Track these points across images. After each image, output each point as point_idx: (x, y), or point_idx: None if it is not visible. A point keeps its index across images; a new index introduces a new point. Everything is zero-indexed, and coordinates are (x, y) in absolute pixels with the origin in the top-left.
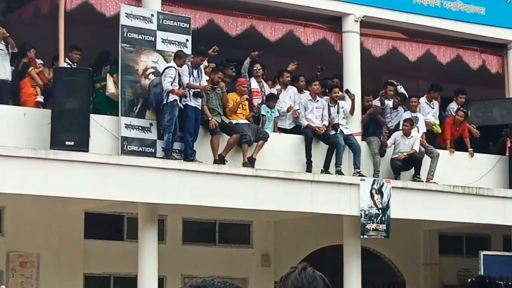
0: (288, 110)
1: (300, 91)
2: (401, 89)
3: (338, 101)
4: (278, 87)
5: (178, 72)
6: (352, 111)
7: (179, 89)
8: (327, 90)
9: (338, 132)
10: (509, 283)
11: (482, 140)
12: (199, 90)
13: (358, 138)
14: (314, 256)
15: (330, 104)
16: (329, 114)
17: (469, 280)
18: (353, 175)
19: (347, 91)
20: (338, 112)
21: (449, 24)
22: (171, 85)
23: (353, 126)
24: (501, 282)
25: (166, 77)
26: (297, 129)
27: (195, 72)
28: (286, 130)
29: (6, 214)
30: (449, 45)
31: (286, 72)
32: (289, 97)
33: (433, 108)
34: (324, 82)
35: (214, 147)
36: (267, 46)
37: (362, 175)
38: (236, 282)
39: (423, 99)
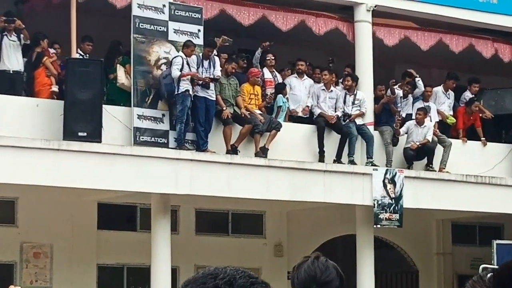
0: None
1: (315, 82)
2: (419, 81)
3: (357, 91)
4: (294, 75)
5: (187, 62)
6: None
7: (189, 78)
8: (340, 80)
9: (347, 121)
10: None
11: (495, 129)
12: (209, 81)
13: (371, 128)
14: (327, 246)
15: (346, 93)
16: (345, 103)
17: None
18: (366, 165)
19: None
20: (353, 103)
21: (461, 13)
22: (180, 71)
23: (365, 116)
24: None
25: (173, 66)
26: (311, 118)
27: (205, 62)
28: (302, 119)
29: (19, 205)
30: (462, 34)
31: (300, 61)
32: (304, 87)
33: (449, 98)
34: (336, 72)
35: (226, 137)
36: (279, 36)
37: (375, 165)
38: (250, 271)
39: (439, 88)
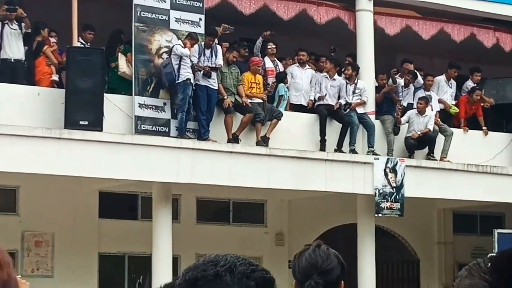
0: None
1: (320, 71)
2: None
3: (358, 80)
4: (296, 64)
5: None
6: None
7: (191, 66)
8: (342, 70)
9: (347, 111)
10: None
11: (496, 119)
12: (209, 70)
13: (372, 117)
14: (328, 234)
15: (347, 82)
16: (346, 92)
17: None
18: (367, 154)
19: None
20: (354, 92)
21: (462, 2)
22: (179, 63)
23: (366, 105)
24: None
25: (178, 51)
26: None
27: (207, 51)
28: (303, 108)
29: (21, 194)
30: (463, 23)
31: (301, 50)
32: (306, 76)
33: (451, 88)
34: (336, 61)
35: (227, 126)
36: (280, 25)
37: (376, 154)
38: (250, 259)
39: (442, 78)
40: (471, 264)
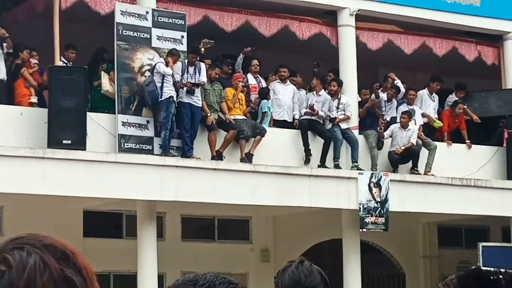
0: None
1: (298, 87)
2: (397, 83)
3: (340, 95)
4: (278, 81)
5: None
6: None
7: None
8: (325, 86)
9: (332, 125)
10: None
11: (479, 132)
12: (191, 86)
13: (356, 132)
14: (314, 250)
15: (331, 98)
16: (330, 108)
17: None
18: (351, 169)
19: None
20: (337, 108)
21: (444, 16)
22: (162, 81)
23: (350, 120)
24: (500, 276)
25: (156, 75)
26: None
27: (190, 69)
28: (286, 123)
29: (5, 214)
30: (445, 37)
31: (282, 67)
32: (288, 92)
33: (434, 101)
34: (322, 77)
35: (211, 143)
36: (263, 41)
37: (360, 169)
38: (230, 277)
39: (424, 91)
40: (441, 283)
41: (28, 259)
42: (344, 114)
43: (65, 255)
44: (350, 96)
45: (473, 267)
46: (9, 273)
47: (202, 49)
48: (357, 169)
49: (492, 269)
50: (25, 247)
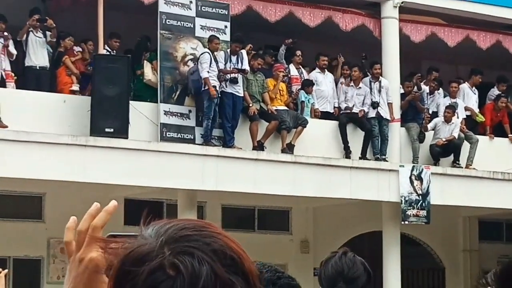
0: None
1: (344, 79)
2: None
3: (381, 78)
4: (317, 70)
5: (215, 57)
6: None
7: (217, 75)
8: (367, 74)
9: (375, 115)
10: None
11: None
12: (235, 76)
13: (398, 125)
14: (353, 242)
15: (371, 80)
16: (371, 92)
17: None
18: (375, 161)
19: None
20: (379, 91)
21: (488, 9)
22: (208, 72)
23: (392, 111)
24: None
25: (202, 65)
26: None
27: (233, 58)
28: (328, 114)
29: (47, 201)
30: (489, 30)
31: (322, 56)
32: (328, 81)
33: (475, 94)
34: (363, 69)
35: (253, 133)
36: (306, 32)
37: (386, 161)
38: (276, 266)
39: (466, 85)
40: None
41: (201, 269)
42: (383, 99)
43: (233, 261)
44: (393, 88)
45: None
46: (181, 282)
47: None
48: (383, 161)
49: None
50: (195, 253)
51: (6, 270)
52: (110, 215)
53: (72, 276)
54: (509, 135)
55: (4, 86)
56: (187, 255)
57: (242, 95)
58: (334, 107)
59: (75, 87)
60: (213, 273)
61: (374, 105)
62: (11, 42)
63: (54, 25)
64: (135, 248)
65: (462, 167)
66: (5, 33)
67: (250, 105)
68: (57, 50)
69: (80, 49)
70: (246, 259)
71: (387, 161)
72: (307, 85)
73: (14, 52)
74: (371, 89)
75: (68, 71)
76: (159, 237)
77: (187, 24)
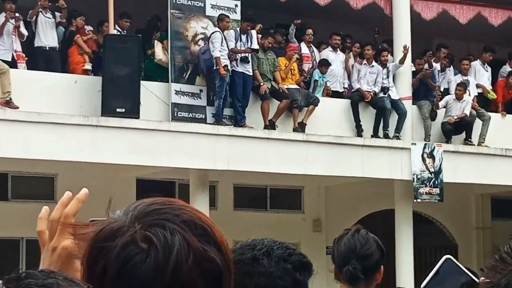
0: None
1: (355, 57)
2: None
3: (388, 64)
4: (329, 49)
5: (225, 37)
6: (402, 61)
7: (228, 54)
8: (380, 49)
9: (386, 95)
10: None
11: None
12: (246, 55)
13: (409, 102)
14: (365, 220)
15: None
16: (382, 78)
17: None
18: (391, 139)
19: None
20: (388, 76)
21: None
22: (219, 51)
23: (403, 90)
24: None
25: (214, 44)
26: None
27: (243, 37)
28: (338, 93)
29: (59, 182)
30: (501, 7)
31: (335, 35)
32: (340, 61)
33: (487, 71)
34: (376, 45)
35: (264, 112)
36: (316, 10)
37: (399, 139)
38: (287, 243)
39: (477, 62)
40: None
41: (173, 240)
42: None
43: (204, 231)
44: (405, 66)
45: None
46: (155, 254)
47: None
48: (397, 139)
49: None
50: (166, 224)
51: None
52: (82, 203)
53: (46, 265)
54: None
55: (16, 67)
56: (158, 227)
57: (251, 74)
58: (344, 87)
59: (88, 66)
60: (185, 243)
61: (385, 90)
62: (21, 23)
63: (65, 5)
64: (105, 226)
65: (474, 145)
66: (16, 14)
67: (261, 84)
68: (68, 30)
69: (91, 28)
70: (216, 229)
71: (400, 138)
72: (323, 64)
73: (25, 33)
74: (382, 76)
75: (81, 50)
76: (128, 213)
77: (197, 3)
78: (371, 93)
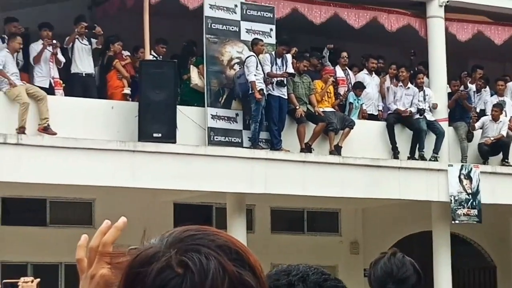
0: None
1: (391, 79)
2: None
3: (424, 88)
4: (365, 72)
5: (260, 61)
6: (435, 106)
7: (263, 78)
8: (416, 71)
9: (422, 117)
10: None
11: None
12: (281, 79)
13: (445, 124)
14: (403, 242)
15: (418, 90)
16: (418, 100)
17: None
18: (430, 160)
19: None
20: (424, 99)
21: None
22: (254, 75)
23: (439, 112)
24: None
25: (249, 68)
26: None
27: (278, 61)
28: (373, 116)
29: (97, 207)
30: None
31: (371, 58)
32: (375, 84)
33: None
34: (412, 67)
35: (300, 135)
36: (351, 33)
37: (437, 160)
38: (322, 268)
39: None
40: None
41: (209, 264)
42: (429, 106)
43: (238, 255)
44: (440, 87)
45: None
46: (191, 278)
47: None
48: (435, 161)
49: None
50: (201, 249)
51: (38, 279)
52: (120, 231)
53: None
54: None
55: (53, 93)
56: (193, 252)
57: (286, 97)
58: (378, 110)
59: (127, 90)
60: (221, 267)
61: (421, 112)
62: (59, 50)
63: (102, 32)
64: (141, 252)
65: (511, 166)
66: (54, 41)
67: (297, 107)
68: (106, 55)
69: (128, 54)
70: (250, 254)
71: (438, 160)
72: (358, 87)
73: (63, 59)
74: (418, 98)
75: (119, 75)
76: (163, 240)
77: (232, 28)
78: (409, 110)
